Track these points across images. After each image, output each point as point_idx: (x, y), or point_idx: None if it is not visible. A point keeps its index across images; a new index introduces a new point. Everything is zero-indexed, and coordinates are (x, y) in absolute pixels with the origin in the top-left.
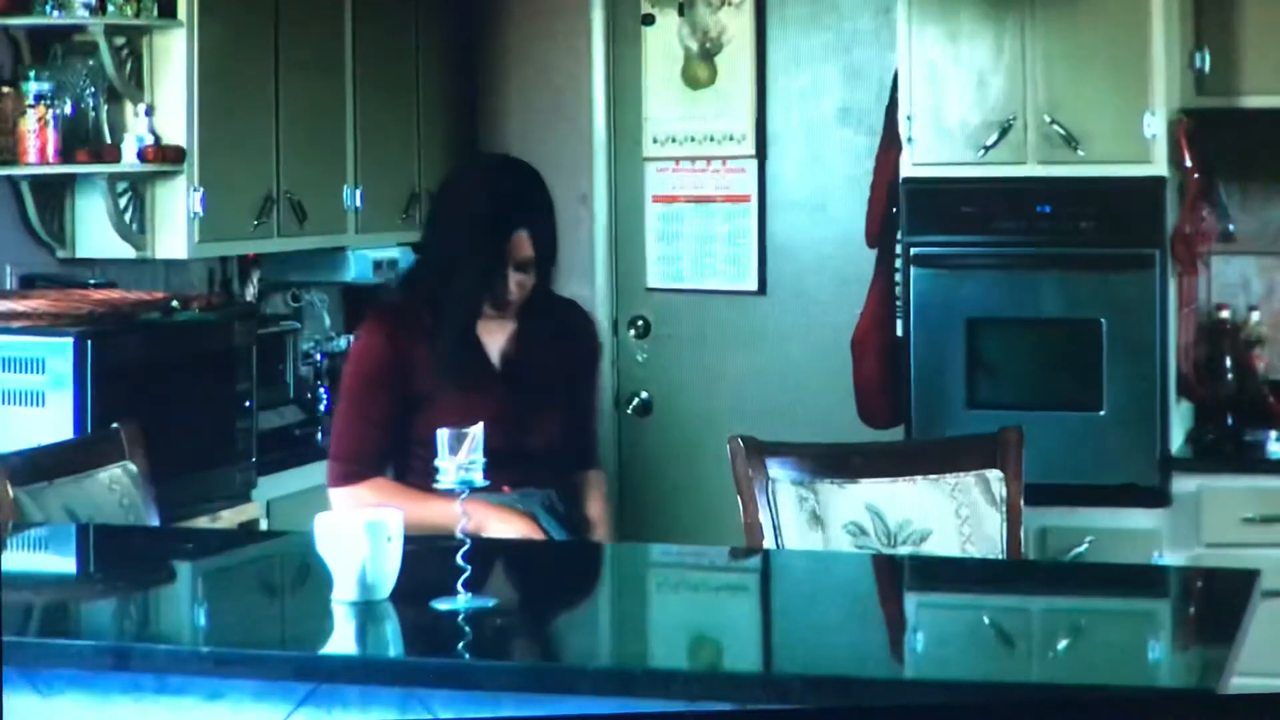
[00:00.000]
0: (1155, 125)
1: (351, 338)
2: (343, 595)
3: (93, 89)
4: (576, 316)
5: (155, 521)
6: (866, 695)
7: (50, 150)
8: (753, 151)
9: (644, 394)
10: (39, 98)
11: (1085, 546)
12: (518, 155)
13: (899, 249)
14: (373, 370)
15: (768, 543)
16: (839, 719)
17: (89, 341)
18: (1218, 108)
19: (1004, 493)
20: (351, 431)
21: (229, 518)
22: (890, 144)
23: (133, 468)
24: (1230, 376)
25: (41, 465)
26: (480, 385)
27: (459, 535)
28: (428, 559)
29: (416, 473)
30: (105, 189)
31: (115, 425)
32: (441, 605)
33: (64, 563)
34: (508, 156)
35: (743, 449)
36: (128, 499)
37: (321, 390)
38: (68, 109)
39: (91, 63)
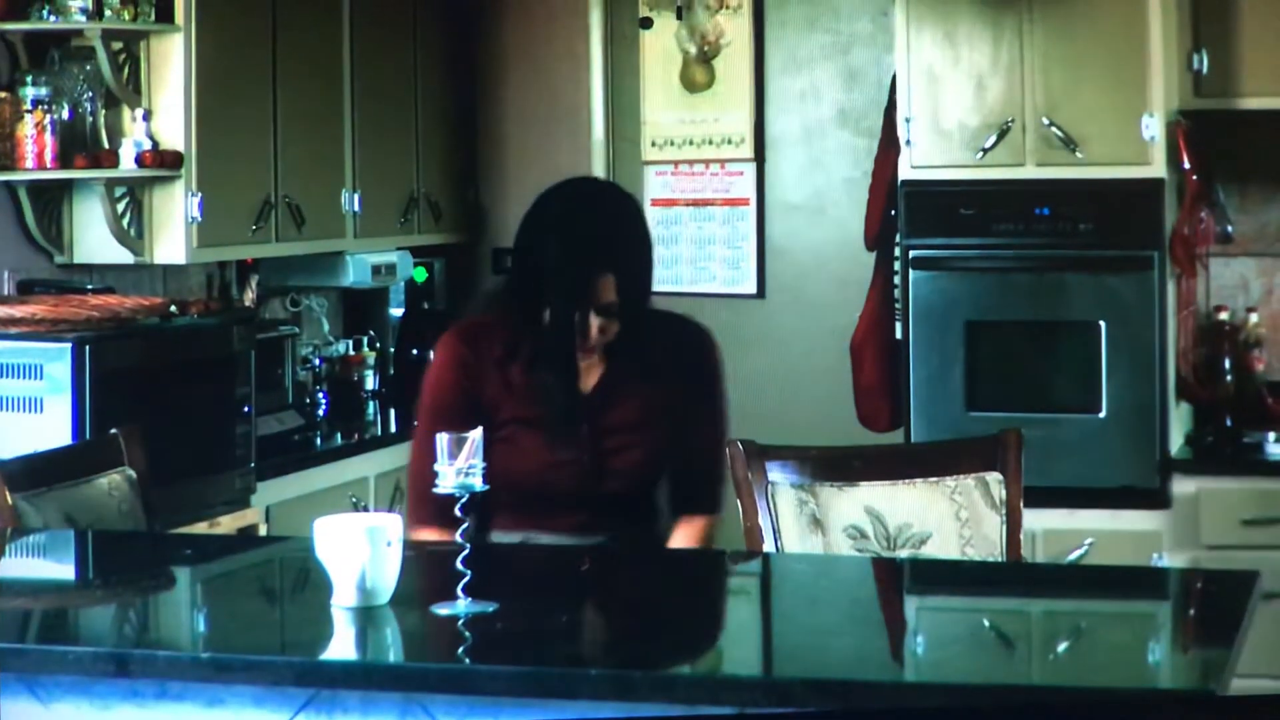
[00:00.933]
0: (1153, 127)
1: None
2: (343, 600)
3: (90, 94)
4: (680, 344)
5: (154, 527)
6: (867, 698)
7: (48, 155)
8: (751, 154)
9: None
10: (36, 103)
11: (1085, 549)
12: (517, 159)
13: (898, 251)
14: (443, 401)
15: (767, 546)
16: None
17: (87, 347)
18: (1216, 109)
19: (1004, 495)
20: (422, 470)
21: (228, 523)
22: (889, 146)
23: (131, 473)
24: (1229, 378)
25: (40, 471)
26: (561, 424)
27: None
28: (427, 564)
29: (502, 511)
30: (103, 194)
31: (114, 431)
32: (441, 610)
33: (63, 569)
34: (597, 188)
35: (742, 452)
36: (126, 505)
37: (320, 395)
38: (65, 114)
39: (89, 67)
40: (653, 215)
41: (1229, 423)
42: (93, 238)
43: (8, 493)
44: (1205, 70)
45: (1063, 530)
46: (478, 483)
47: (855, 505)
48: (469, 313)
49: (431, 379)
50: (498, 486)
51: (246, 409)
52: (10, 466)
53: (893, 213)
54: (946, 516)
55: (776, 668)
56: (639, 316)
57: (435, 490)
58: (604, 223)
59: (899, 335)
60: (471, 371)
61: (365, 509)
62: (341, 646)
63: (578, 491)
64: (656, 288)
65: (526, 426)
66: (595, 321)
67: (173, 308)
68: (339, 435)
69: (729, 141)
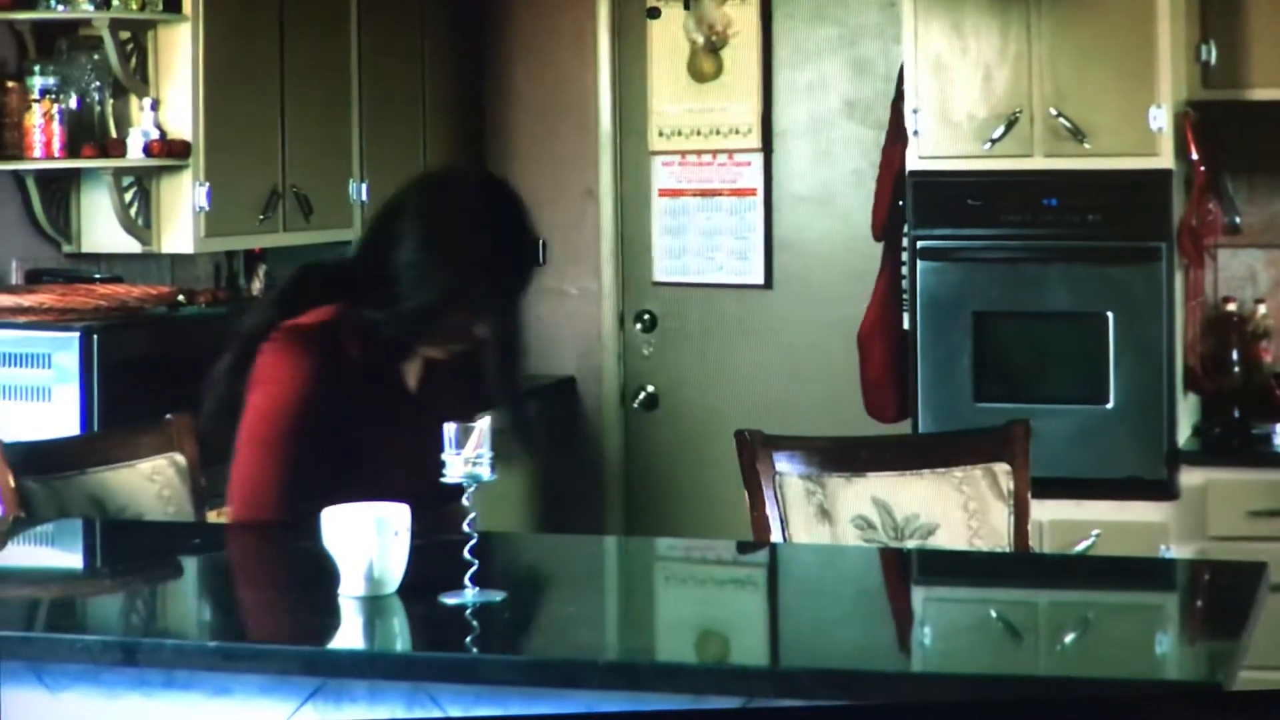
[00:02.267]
0: (1161, 118)
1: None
2: (350, 590)
3: (98, 83)
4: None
5: (198, 513)
6: (874, 689)
7: (55, 145)
8: (759, 145)
9: (650, 388)
10: (44, 92)
11: (1092, 540)
12: (524, 149)
13: (905, 242)
14: (298, 411)
15: (775, 536)
16: (846, 714)
17: (95, 336)
18: (1224, 100)
19: (1011, 486)
20: (253, 469)
21: None
22: (896, 137)
23: (180, 459)
24: (1237, 369)
25: (73, 453)
26: (399, 422)
27: None
28: (435, 553)
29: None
30: (111, 183)
31: (168, 416)
32: (449, 600)
33: (71, 557)
34: (503, 178)
35: (750, 443)
36: (169, 490)
37: None
38: (73, 103)
39: (96, 57)
40: (660, 205)
41: (1237, 414)
42: (100, 227)
43: (10, 475)
44: (1213, 61)
45: (1069, 521)
46: (485, 473)
47: (863, 496)
48: (251, 320)
49: (279, 386)
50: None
51: None
52: (25, 449)
53: (900, 204)
54: (954, 507)
55: (784, 658)
56: None
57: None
58: (526, 213)
59: (906, 326)
60: (326, 378)
61: None
62: (349, 636)
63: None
64: (666, 278)
65: (368, 432)
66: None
67: (180, 297)
68: None
69: (736, 132)
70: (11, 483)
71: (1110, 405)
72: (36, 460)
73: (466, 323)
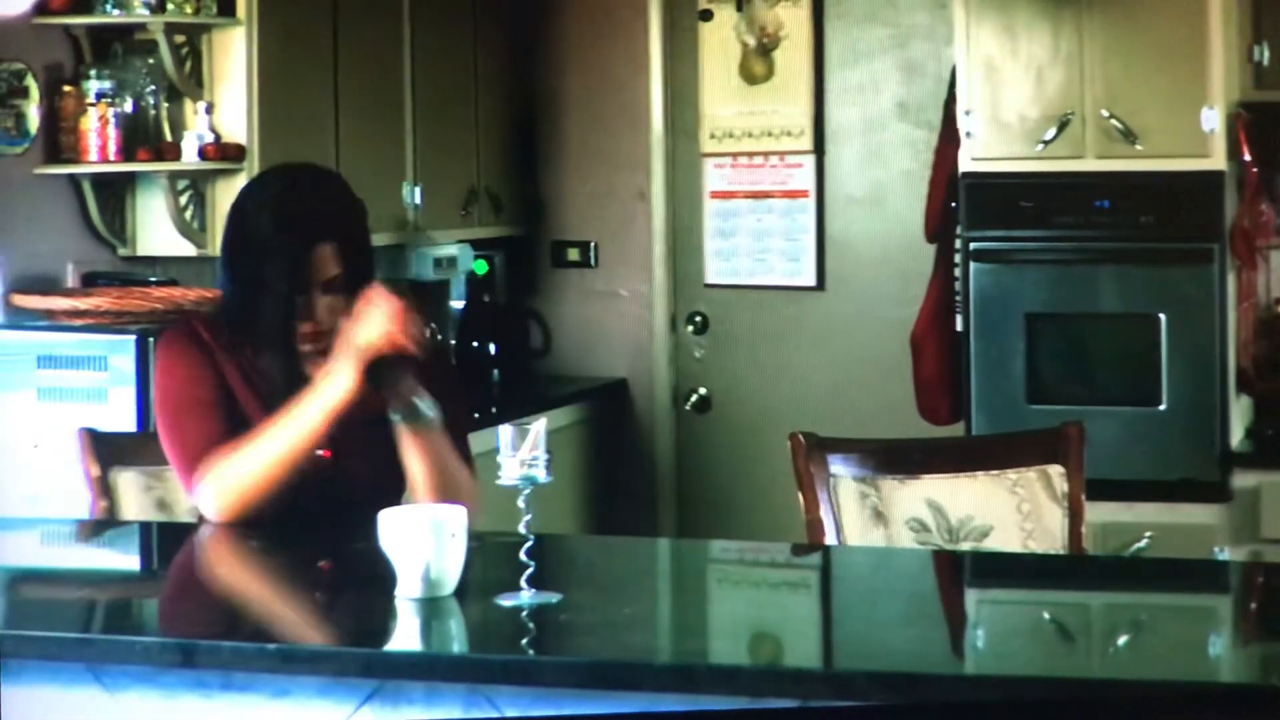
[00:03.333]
0: (1213, 119)
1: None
2: (407, 592)
3: (153, 87)
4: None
5: None
6: (929, 691)
7: (111, 149)
8: (810, 147)
9: (702, 390)
10: (100, 96)
11: (1145, 542)
12: (576, 152)
13: (958, 244)
14: (194, 385)
15: (829, 539)
16: (899, 715)
17: (151, 339)
18: (1277, 101)
19: (1065, 488)
20: (190, 434)
21: None
22: (949, 139)
23: None
24: None
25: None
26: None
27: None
28: (491, 555)
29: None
30: (166, 187)
31: None
32: (506, 601)
33: (128, 559)
34: (302, 166)
35: (804, 445)
36: None
37: None
38: (128, 107)
39: (152, 61)
40: (711, 207)
41: None
42: (155, 230)
43: (95, 463)
44: (1266, 62)
45: (1122, 523)
46: (541, 475)
47: (917, 498)
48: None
49: (169, 378)
50: None
51: None
52: (110, 439)
53: (953, 205)
54: (1008, 509)
55: (838, 660)
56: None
57: (498, 483)
58: (316, 193)
59: (959, 328)
60: (217, 361)
61: None
62: (406, 638)
63: (325, 491)
64: (716, 280)
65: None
66: (323, 300)
67: None
68: None
69: (788, 134)
70: (96, 471)
71: (1163, 407)
72: (122, 450)
73: (274, 307)
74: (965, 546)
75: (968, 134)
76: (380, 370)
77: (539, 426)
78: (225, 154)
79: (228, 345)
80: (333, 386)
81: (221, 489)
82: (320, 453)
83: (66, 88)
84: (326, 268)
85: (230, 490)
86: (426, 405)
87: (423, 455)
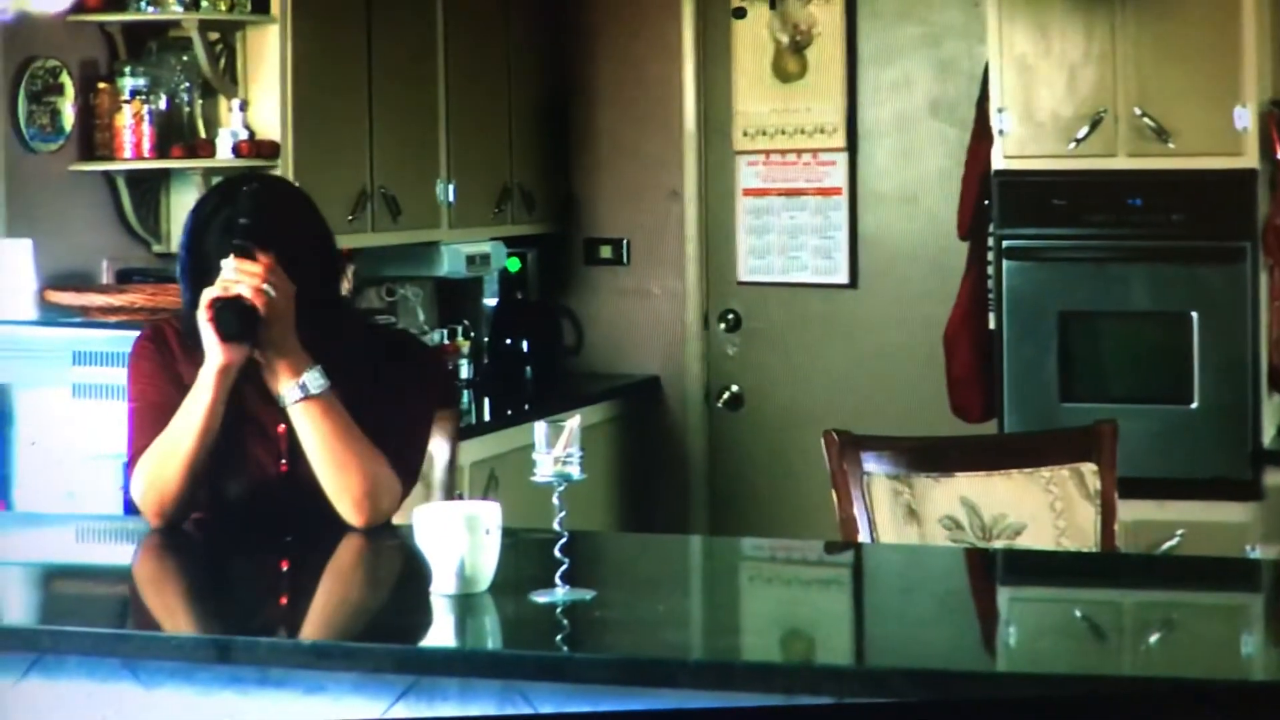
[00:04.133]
0: (1246, 117)
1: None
2: (442, 588)
3: (187, 84)
4: (380, 352)
5: None
6: (963, 688)
7: (146, 146)
8: (843, 144)
9: (735, 388)
10: (134, 93)
11: (1176, 540)
12: (609, 150)
13: (990, 242)
14: (147, 387)
15: (863, 536)
16: (933, 711)
17: None
18: None
19: (1098, 486)
20: (135, 435)
21: None
22: (981, 136)
23: None
24: None
25: None
26: (258, 415)
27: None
28: (525, 551)
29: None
30: (200, 184)
31: None
32: (540, 598)
33: (165, 556)
34: (255, 178)
35: (837, 443)
36: None
37: None
38: (163, 104)
39: (186, 58)
40: (744, 205)
41: None
42: None
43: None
44: None
45: (1154, 522)
46: (575, 472)
47: (950, 496)
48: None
49: (129, 381)
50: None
51: None
52: None
53: (985, 203)
54: (1041, 507)
55: (872, 657)
56: (325, 318)
57: (532, 480)
58: (262, 202)
59: (992, 326)
60: (166, 367)
61: (462, 497)
62: (441, 634)
63: (273, 483)
64: (750, 278)
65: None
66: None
67: None
68: None
69: (821, 131)
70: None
71: (1195, 405)
72: None
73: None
74: (998, 544)
75: (1000, 132)
76: (230, 323)
77: (573, 424)
78: (259, 151)
79: (191, 345)
80: (208, 358)
81: (138, 483)
82: (280, 464)
83: (101, 85)
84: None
85: (146, 482)
86: (312, 378)
87: (308, 429)
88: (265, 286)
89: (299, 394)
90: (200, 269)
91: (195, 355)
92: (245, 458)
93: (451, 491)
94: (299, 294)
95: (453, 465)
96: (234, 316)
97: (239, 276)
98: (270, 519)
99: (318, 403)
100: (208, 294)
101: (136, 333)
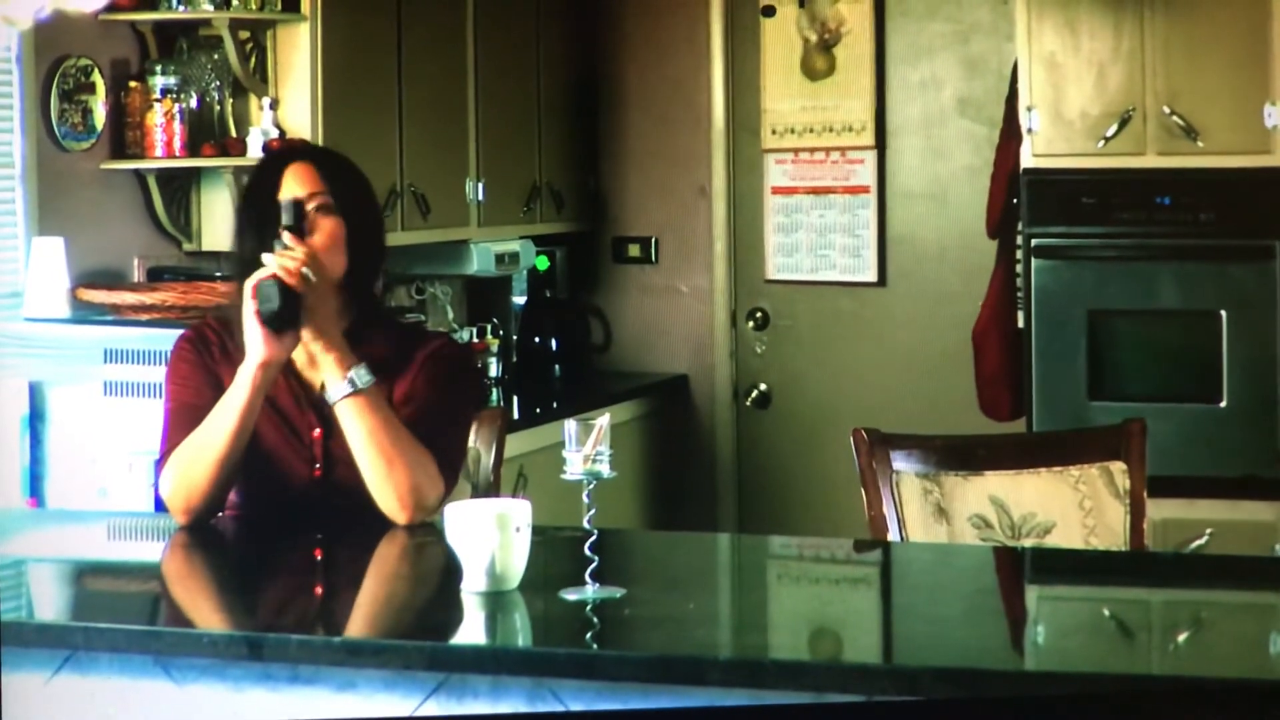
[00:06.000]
0: (1276, 116)
1: None
2: (472, 585)
3: (218, 83)
4: (414, 345)
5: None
6: (992, 686)
7: (176, 144)
8: (872, 142)
9: (763, 386)
10: (165, 92)
11: (1205, 539)
12: (638, 148)
13: (1019, 240)
14: (182, 388)
15: (891, 535)
16: (962, 710)
17: None
18: None
19: (1128, 485)
20: (168, 434)
21: None
22: (1010, 135)
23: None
24: None
25: None
26: (292, 420)
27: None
28: (555, 549)
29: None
30: (230, 182)
31: None
32: (570, 595)
33: (196, 553)
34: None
35: (866, 441)
36: None
37: None
38: (193, 103)
39: (216, 57)
40: (773, 203)
41: None
42: (220, 225)
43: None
44: None
45: (1183, 520)
46: (605, 469)
47: (980, 494)
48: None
49: (167, 380)
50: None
51: None
52: None
53: (1014, 201)
54: (1070, 506)
55: (901, 656)
56: (369, 308)
57: (563, 478)
58: (336, 160)
59: (1021, 324)
60: (202, 367)
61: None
62: (471, 631)
63: (313, 489)
64: (778, 276)
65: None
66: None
67: None
68: None
69: (849, 129)
70: None
71: (1223, 404)
72: None
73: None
74: (1028, 543)
75: (1029, 130)
76: (271, 297)
77: (603, 422)
78: None
79: (232, 347)
80: (249, 354)
81: (166, 481)
82: (314, 469)
83: (132, 83)
84: (301, 185)
85: (175, 479)
86: (359, 373)
87: (355, 425)
88: (306, 271)
89: (348, 388)
90: (262, 219)
91: (235, 357)
92: (279, 461)
93: (496, 489)
94: (348, 275)
95: (498, 464)
96: (276, 293)
97: (283, 260)
98: (302, 522)
99: (365, 398)
100: (250, 281)
101: (167, 331)
